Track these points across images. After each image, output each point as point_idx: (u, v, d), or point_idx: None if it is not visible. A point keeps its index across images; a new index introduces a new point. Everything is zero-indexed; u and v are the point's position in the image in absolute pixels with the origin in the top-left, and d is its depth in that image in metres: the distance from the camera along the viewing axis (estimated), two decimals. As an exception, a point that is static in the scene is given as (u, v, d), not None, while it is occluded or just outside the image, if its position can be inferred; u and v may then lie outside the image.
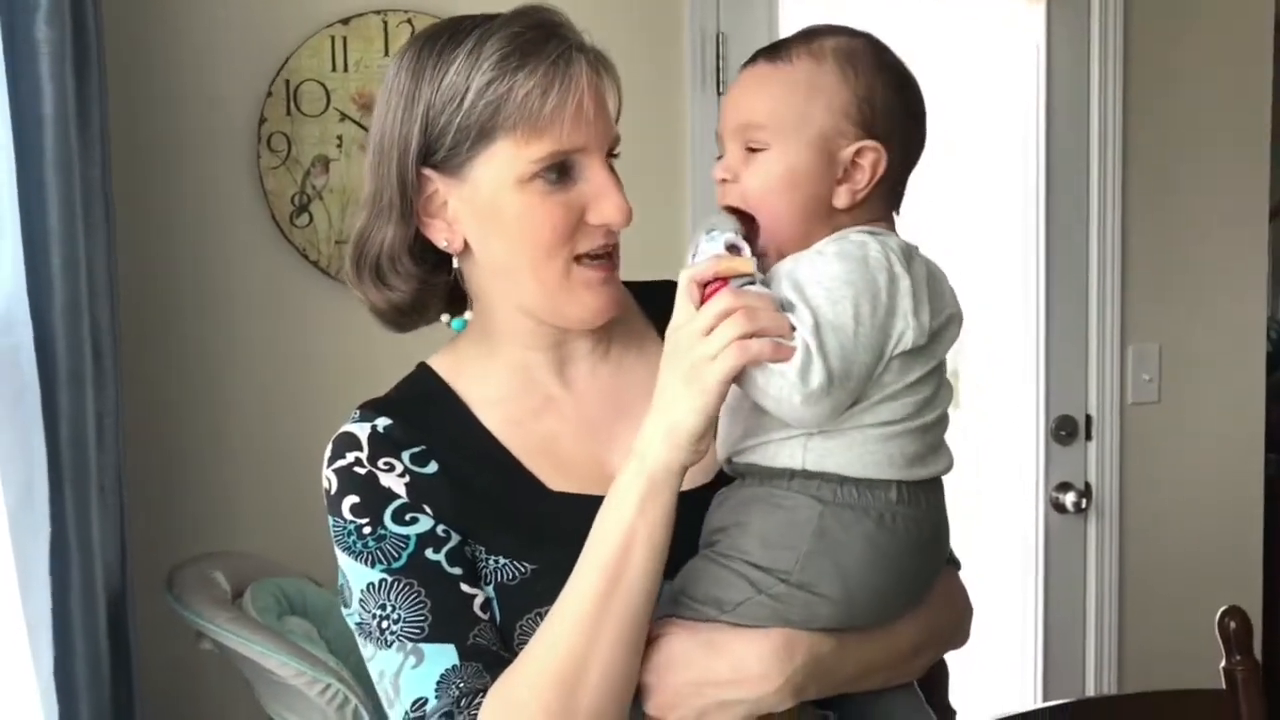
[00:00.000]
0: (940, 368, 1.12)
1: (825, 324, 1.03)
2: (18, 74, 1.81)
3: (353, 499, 1.15)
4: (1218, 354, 2.96)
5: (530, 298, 1.18)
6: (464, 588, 1.14)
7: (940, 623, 1.21)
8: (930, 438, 1.11)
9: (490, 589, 1.15)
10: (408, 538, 1.14)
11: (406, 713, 1.11)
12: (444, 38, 1.16)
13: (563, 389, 1.24)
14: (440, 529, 1.15)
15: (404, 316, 1.26)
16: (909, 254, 1.10)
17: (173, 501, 2.28)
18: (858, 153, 1.12)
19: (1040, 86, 2.78)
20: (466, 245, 1.19)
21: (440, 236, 1.19)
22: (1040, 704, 2.78)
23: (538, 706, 1.06)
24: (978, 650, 2.83)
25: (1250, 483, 3.03)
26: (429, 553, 1.13)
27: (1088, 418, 2.87)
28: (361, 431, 1.18)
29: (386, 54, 2.36)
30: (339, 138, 2.35)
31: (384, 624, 1.12)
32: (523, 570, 1.14)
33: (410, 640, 1.12)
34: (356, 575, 1.14)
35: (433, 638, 1.11)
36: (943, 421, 1.13)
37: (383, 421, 1.18)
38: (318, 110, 2.34)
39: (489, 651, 1.12)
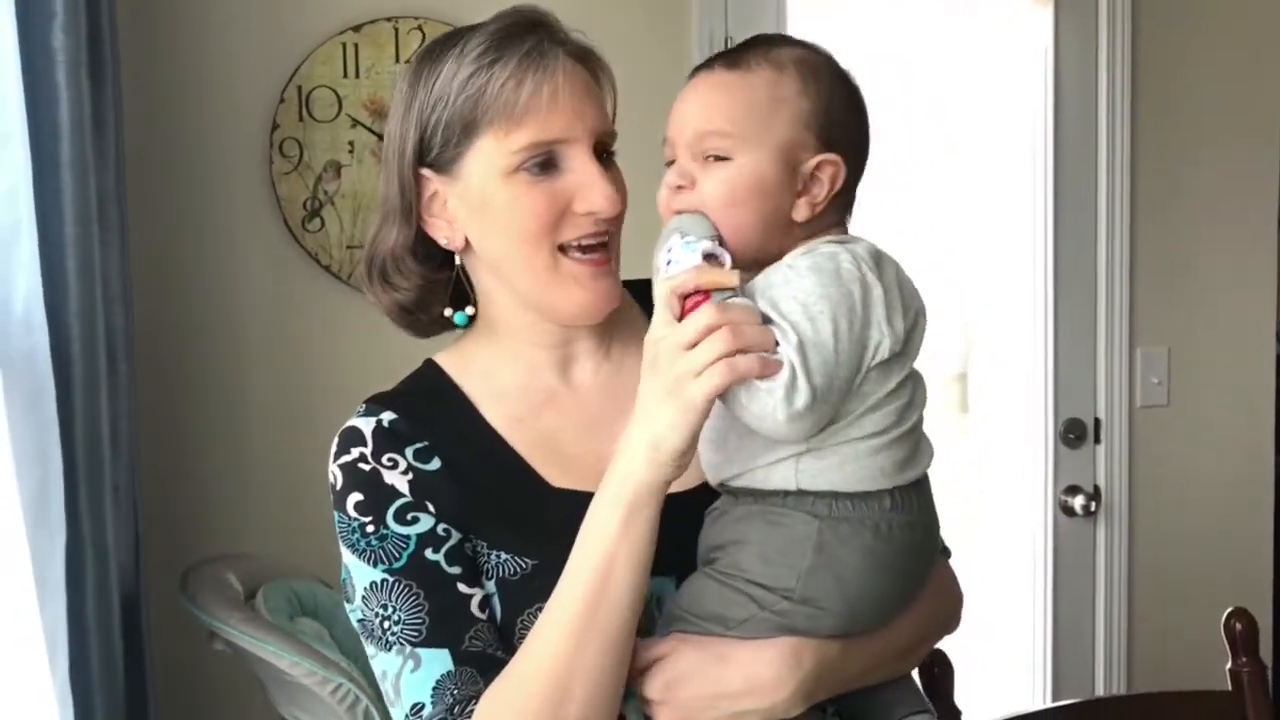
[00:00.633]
0: (913, 371, 1.12)
1: (808, 342, 1.02)
2: (35, 82, 1.82)
3: (357, 496, 1.16)
4: (1226, 357, 2.96)
5: (524, 291, 1.20)
6: (461, 588, 1.15)
7: (936, 614, 1.22)
8: (913, 439, 1.12)
9: (492, 584, 1.16)
10: (408, 538, 1.15)
11: (406, 716, 1.13)
12: (440, 45, 1.20)
13: (565, 386, 1.25)
14: (441, 528, 1.16)
15: (410, 316, 1.28)
16: (878, 259, 1.09)
17: (186, 504, 2.30)
18: (818, 165, 1.12)
19: (1048, 89, 2.79)
20: (468, 243, 1.21)
21: (441, 235, 1.22)
22: (1048, 705, 2.79)
23: None
24: (987, 652, 2.84)
25: (1260, 485, 3.02)
26: (429, 553, 1.15)
27: (1096, 420, 2.87)
28: (366, 426, 1.19)
29: (398, 60, 2.38)
30: (350, 143, 2.37)
31: (385, 624, 1.14)
32: (524, 566, 1.16)
33: (409, 643, 1.13)
34: (359, 573, 1.16)
35: (429, 642, 1.13)
36: (921, 420, 1.13)
37: (388, 416, 1.20)
38: (330, 116, 2.36)
39: (484, 656, 1.13)
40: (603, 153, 1.19)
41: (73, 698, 1.84)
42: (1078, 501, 2.85)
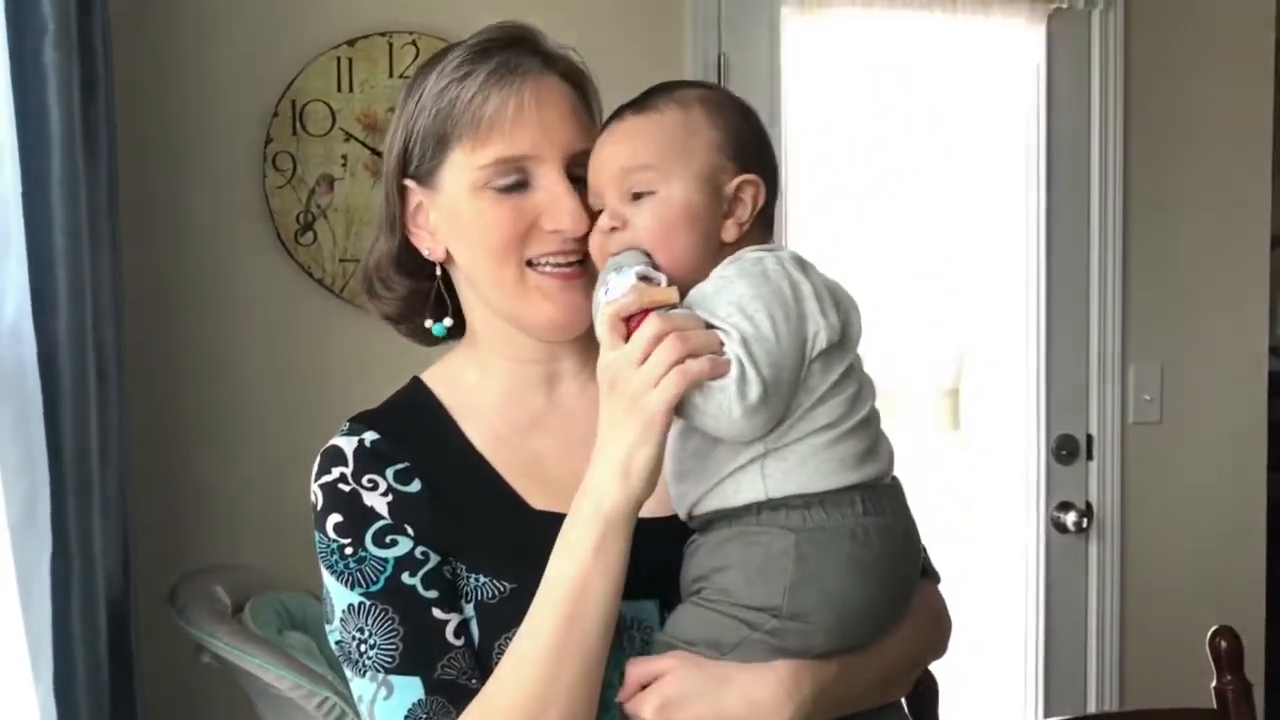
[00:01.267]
0: (857, 364, 1.14)
1: (750, 337, 1.06)
2: (25, 95, 1.83)
3: (336, 517, 1.17)
4: (1219, 373, 2.96)
5: (495, 303, 1.21)
6: (437, 613, 1.15)
7: (926, 637, 1.23)
8: (870, 432, 1.14)
9: (470, 607, 1.16)
10: (386, 561, 1.15)
11: None
12: (435, 57, 1.22)
13: (550, 406, 1.26)
14: (419, 551, 1.16)
15: (397, 325, 1.30)
16: (801, 263, 1.13)
17: (176, 516, 2.30)
18: (739, 186, 1.16)
19: (1040, 105, 2.80)
20: (449, 254, 1.22)
21: (424, 245, 1.23)
22: (1039, 723, 2.79)
23: None
24: (979, 669, 2.84)
25: (1252, 502, 3.02)
26: (405, 576, 1.15)
27: (1089, 437, 2.88)
28: (348, 446, 1.20)
29: (391, 75, 2.40)
30: (344, 157, 2.38)
31: (361, 648, 1.14)
32: (502, 589, 1.16)
33: (382, 670, 1.13)
34: (338, 594, 1.17)
35: (402, 669, 1.13)
36: (875, 417, 1.15)
37: (370, 436, 1.20)
38: (323, 130, 2.37)
39: (455, 685, 1.13)
40: (581, 174, 1.18)
41: (57, 711, 1.84)
42: (1070, 518, 2.85)
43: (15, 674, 1.81)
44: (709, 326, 1.07)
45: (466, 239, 1.19)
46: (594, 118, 1.23)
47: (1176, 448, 2.94)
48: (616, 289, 1.08)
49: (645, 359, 1.03)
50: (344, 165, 2.38)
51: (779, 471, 1.08)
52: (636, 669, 1.11)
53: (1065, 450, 2.86)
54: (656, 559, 1.13)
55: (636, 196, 1.15)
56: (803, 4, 2.60)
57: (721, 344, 1.05)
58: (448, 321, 1.27)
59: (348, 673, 1.17)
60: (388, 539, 1.16)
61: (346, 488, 1.17)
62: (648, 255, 1.13)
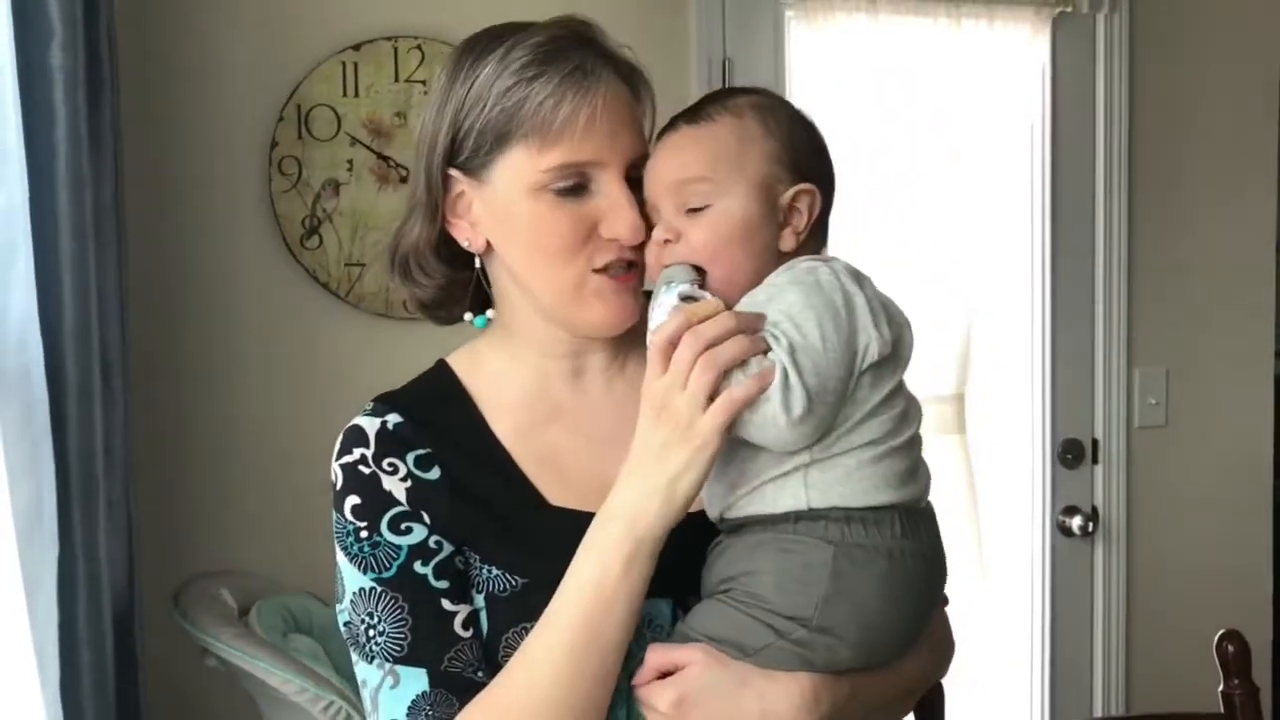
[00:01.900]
0: (904, 383, 1.14)
1: (797, 346, 1.05)
2: (32, 99, 1.84)
3: (354, 499, 1.17)
4: (1225, 377, 2.96)
5: (545, 303, 1.20)
6: (445, 604, 1.15)
7: (934, 661, 1.23)
8: (913, 454, 1.13)
9: (481, 598, 1.16)
10: (400, 548, 1.15)
11: None
12: (484, 42, 1.19)
13: (575, 400, 1.25)
14: (433, 540, 1.16)
15: (430, 312, 1.28)
16: (856, 275, 1.12)
17: (182, 519, 2.30)
18: (795, 196, 1.15)
19: (1045, 108, 2.80)
20: (490, 246, 1.21)
21: (463, 236, 1.21)
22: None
23: None
24: (984, 673, 2.83)
25: (1258, 506, 3.02)
26: (418, 565, 1.15)
27: (1094, 441, 2.87)
28: (371, 427, 1.19)
29: (397, 80, 2.40)
30: (349, 162, 2.38)
31: (369, 633, 1.15)
32: (513, 583, 1.16)
33: (389, 659, 1.14)
34: (350, 576, 1.17)
35: (409, 660, 1.14)
36: (918, 440, 1.15)
37: (393, 418, 1.20)
38: (329, 135, 2.37)
39: (461, 678, 1.13)
40: (635, 177, 1.18)
41: (63, 714, 1.84)
42: (1075, 522, 2.85)
43: (21, 677, 1.81)
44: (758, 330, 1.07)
45: (521, 238, 1.18)
46: (647, 116, 1.22)
47: (1182, 452, 2.93)
48: (662, 308, 1.09)
49: (686, 382, 1.04)
50: (349, 170, 2.39)
51: (822, 483, 1.08)
52: (658, 656, 1.11)
53: (1070, 454, 2.86)
54: (672, 557, 1.12)
55: (692, 210, 1.14)
56: (807, 9, 2.61)
57: (767, 348, 1.05)
58: (490, 314, 1.26)
59: (353, 655, 1.17)
60: (403, 526, 1.16)
61: (367, 470, 1.17)
62: (695, 269, 1.13)
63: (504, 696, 1.10)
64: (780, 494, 1.09)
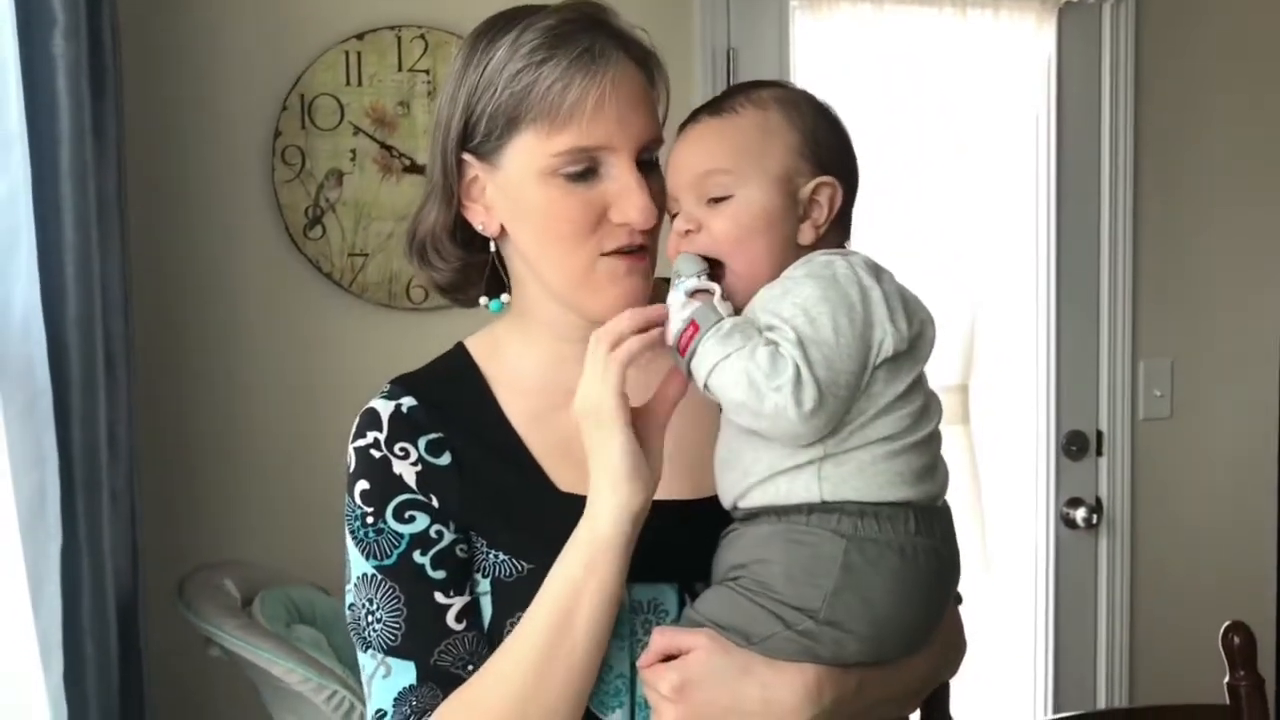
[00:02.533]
0: (924, 379, 1.13)
1: (806, 339, 1.05)
2: (35, 88, 1.83)
3: (364, 484, 1.18)
4: (1229, 369, 2.95)
5: (555, 287, 1.20)
6: (440, 597, 1.16)
7: (943, 660, 1.22)
8: (931, 451, 1.12)
9: (486, 583, 1.17)
10: (402, 536, 1.16)
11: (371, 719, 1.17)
12: (498, 25, 1.18)
13: None
14: (434, 529, 1.17)
15: (447, 295, 1.29)
16: (875, 269, 1.12)
17: (184, 510, 2.30)
18: (815, 189, 1.15)
19: (1051, 100, 2.79)
20: (504, 230, 1.21)
21: (478, 220, 1.21)
22: (1049, 717, 2.78)
23: None
24: (989, 664, 2.83)
25: (1262, 498, 3.01)
26: (417, 555, 1.16)
27: (1099, 433, 2.87)
28: (385, 410, 1.20)
29: (400, 69, 2.39)
30: (352, 151, 2.38)
31: (368, 619, 1.17)
32: (519, 569, 1.16)
33: (383, 650, 1.16)
34: (355, 560, 1.19)
35: (400, 651, 1.15)
36: (937, 437, 1.14)
37: (407, 402, 1.21)
38: (332, 124, 2.37)
39: (449, 673, 1.15)
40: (647, 160, 1.17)
41: (67, 703, 1.85)
42: (1079, 514, 2.85)
43: (25, 667, 1.81)
44: (767, 331, 1.07)
45: (532, 222, 1.17)
46: (661, 99, 1.21)
47: (1187, 444, 2.93)
48: (673, 308, 1.11)
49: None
50: (353, 159, 2.38)
51: (836, 476, 1.07)
52: (664, 639, 1.11)
53: (1075, 446, 2.86)
54: (678, 542, 1.13)
55: (713, 200, 1.14)
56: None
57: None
58: (505, 298, 1.26)
59: (354, 641, 1.20)
60: (407, 514, 1.17)
61: (378, 454, 1.18)
62: (705, 260, 1.13)
63: (479, 692, 1.12)
64: (793, 486, 1.08)
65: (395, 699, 1.15)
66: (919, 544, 1.08)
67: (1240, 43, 2.93)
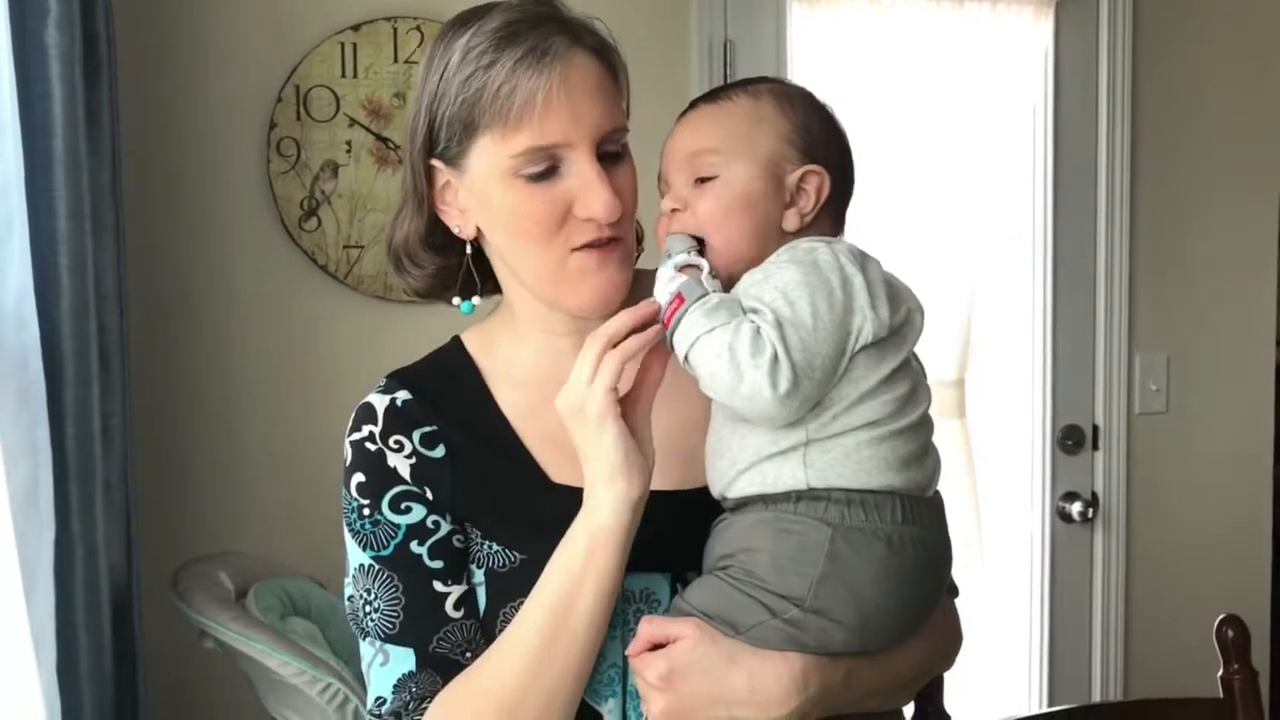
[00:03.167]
0: (910, 364, 1.13)
1: (785, 320, 1.06)
2: (28, 78, 1.83)
3: (360, 476, 1.19)
4: (1226, 364, 2.95)
5: (532, 284, 1.20)
6: (438, 585, 1.17)
7: (937, 652, 1.22)
8: (919, 438, 1.12)
9: (481, 573, 1.18)
10: (398, 527, 1.18)
11: (371, 708, 1.18)
12: (453, 29, 1.18)
13: None
14: (431, 520, 1.18)
15: (427, 298, 1.30)
16: (860, 256, 1.12)
17: (179, 502, 2.30)
18: (802, 177, 1.16)
19: (1048, 93, 2.78)
20: (480, 231, 1.21)
21: (454, 223, 1.22)
22: (1044, 710, 2.78)
23: None
24: (984, 658, 2.83)
25: (1258, 493, 3.01)
26: (414, 545, 1.17)
27: (1095, 427, 2.87)
28: (380, 404, 1.21)
29: (396, 60, 2.39)
30: (348, 143, 2.37)
31: (367, 609, 1.18)
32: (513, 559, 1.17)
33: (381, 637, 1.17)
34: (353, 552, 1.20)
35: (399, 639, 1.17)
36: (927, 423, 1.14)
37: (402, 395, 1.22)
38: (327, 116, 2.36)
39: (447, 659, 1.16)
40: (612, 150, 1.17)
41: (60, 695, 1.84)
42: (1075, 508, 2.85)
43: (18, 658, 1.81)
44: (749, 313, 1.08)
45: (500, 224, 1.18)
46: (621, 88, 1.21)
47: (1183, 438, 2.93)
48: (661, 280, 1.11)
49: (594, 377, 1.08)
50: (348, 151, 2.38)
51: (821, 463, 1.08)
52: (651, 628, 1.11)
53: (1071, 440, 2.86)
54: (671, 532, 1.13)
55: (701, 181, 1.16)
56: (809, -10, 2.60)
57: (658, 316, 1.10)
58: (476, 300, 1.28)
59: (354, 630, 1.21)
60: (403, 505, 1.18)
61: (373, 447, 1.19)
62: (695, 240, 1.15)
63: (479, 679, 1.13)
64: (780, 473, 1.09)
65: (395, 686, 1.16)
66: (906, 533, 1.08)
67: (1237, 36, 2.92)
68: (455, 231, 1.22)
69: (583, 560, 1.09)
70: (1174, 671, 2.67)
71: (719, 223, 1.15)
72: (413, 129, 1.20)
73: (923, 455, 1.12)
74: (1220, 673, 1.70)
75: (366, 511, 1.18)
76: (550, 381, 1.21)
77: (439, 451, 1.20)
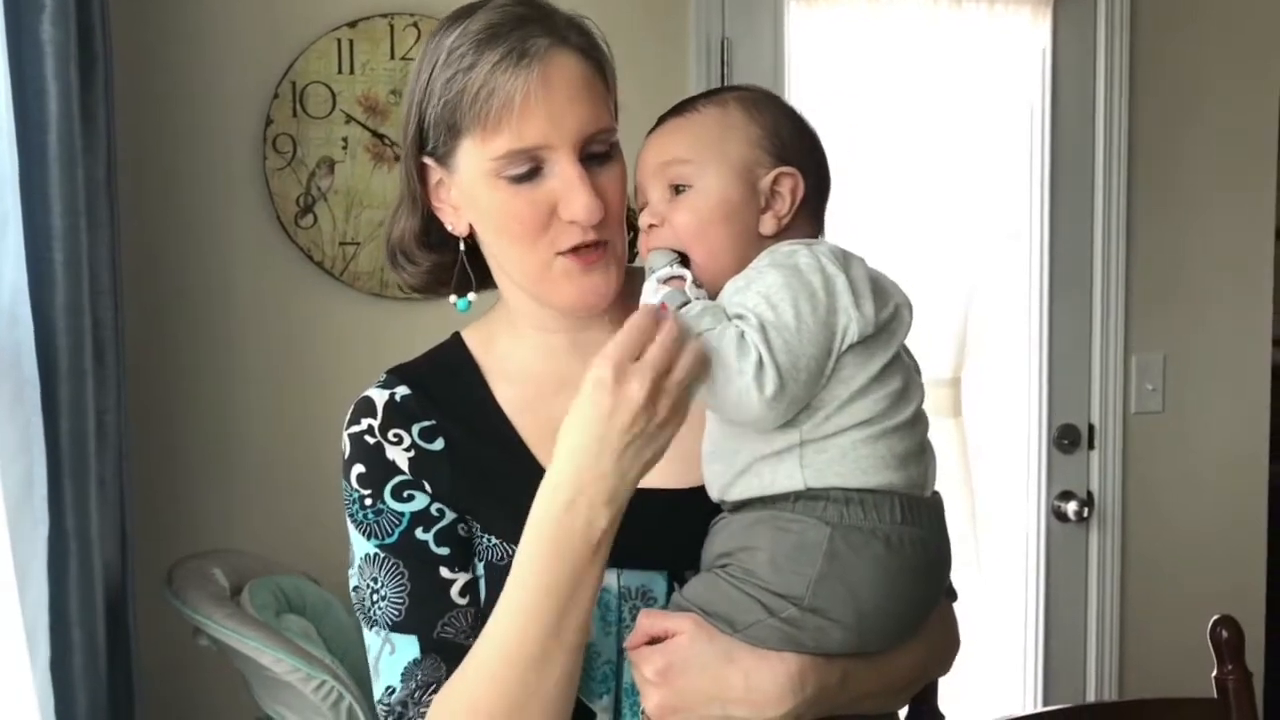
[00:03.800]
0: (901, 359, 1.13)
1: (768, 324, 1.06)
2: (23, 74, 1.82)
3: (360, 468, 1.19)
4: (1222, 364, 2.96)
5: (519, 282, 1.21)
6: (444, 572, 1.18)
7: (934, 655, 1.22)
8: (914, 435, 1.13)
9: (481, 566, 1.19)
10: (402, 515, 1.18)
11: (381, 698, 1.18)
12: (442, 29, 1.19)
13: (579, 373, 1.23)
14: (435, 508, 1.19)
15: (421, 294, 1.31)
16: (843, 256, 1.12)
17: (173, 499, 2.30)
18: (776, 180, 1.17)
19: (1045, 93, 2.78)
20: (473, 229, 1.22)
21: (448, 220, 1.23)
22: (1038, 710, 2.78)
23: None
24: (980, 658, 2.83)
25: (1254, 493, 3.02)
26: (419, 532, 1.18)
27: (1090, 427, 2.87)
28: (379, 398, 1.22)
29: (393, 57, 2.38)
30: (344, 140, 2.37)
31: (373, 597, 1.18)
32: (510, 552, 1.15)
33: (388, 626, 1.17)
34: (357, 543, 1.20)
35: (404, 627, 1.17)
36: (922, 419, 1.14)
37: (401, 391, 1.22)
38: (324, 112, 2.36)
39: (452, 644, 1.16)
40: (598, 151, 1.16)
41: (54, 692, 1.84)
42: (1071, 507, 2.85)
43: (11, 656, 1.81)
44: (736, 316, 1.07)
45: (488, 224, 1.19)
46: (609, 86, 1.20)
47: (1179, 438, 2.93)
48: (645, 296, 1.12)
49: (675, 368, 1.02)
50: (344, 148, 2.37)
51: (818, 463, 1.08)
52: (650, 622, 1.11)
53: (1067, 439, 2.86)
54: (669, 530, 1.13)
55: (675, 191, 1.17)
56: (807, -11, 2.59)
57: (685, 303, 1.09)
58: (471, 296, 1.28)
59: (360, 621, 1.21)
60: (405, 494, 1.19)
61: (372, 440, 1.20)
62: (677, 254, 1.15)
63: (477, 683, 1.10)
64: (777, 474, 1.09)
65: (402, 674, 1.16)
66: (905, 533, 1.08)
67: (1234, 36, 2.92)
68: (449, 228, 1.23)
69: (588, 558, 1.06)
70: (1169, 671, 2.67)
71: (697, 235, 1.15)
72: (405, 127, 1.21)
73: (920, 452, 1.13)
74: (1214, 673, 1.70)
75: (369, 501, 1.19)
76: (546, 377, 1.24)
77: (438, 444, 1.20)
